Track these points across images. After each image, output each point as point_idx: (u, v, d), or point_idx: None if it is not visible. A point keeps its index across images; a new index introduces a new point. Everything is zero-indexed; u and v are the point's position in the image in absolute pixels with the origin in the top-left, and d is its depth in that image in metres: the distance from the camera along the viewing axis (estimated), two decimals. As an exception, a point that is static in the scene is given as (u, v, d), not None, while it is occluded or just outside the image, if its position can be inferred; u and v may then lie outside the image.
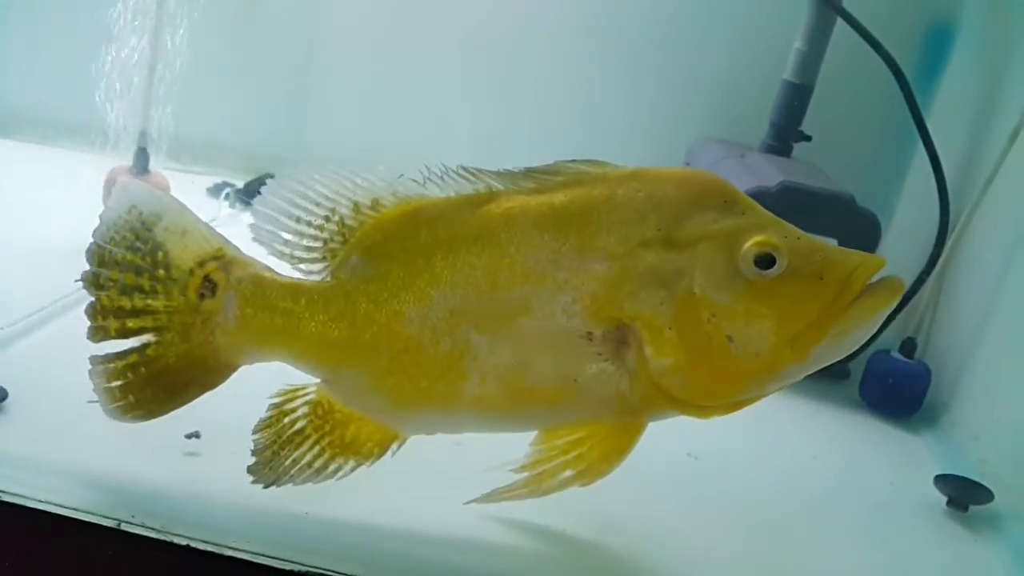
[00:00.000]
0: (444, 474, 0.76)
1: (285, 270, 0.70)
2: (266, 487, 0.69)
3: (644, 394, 0.63)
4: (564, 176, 0.65)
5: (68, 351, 0.85)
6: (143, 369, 0.69)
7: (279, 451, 0.69)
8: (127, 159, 1.08)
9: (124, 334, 0.69)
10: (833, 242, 1.08)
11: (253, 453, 0.69)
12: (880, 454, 1.01)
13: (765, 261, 0.61)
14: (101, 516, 0.67)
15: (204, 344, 0.69)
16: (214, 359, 0.69)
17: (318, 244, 0.68)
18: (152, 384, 0.69)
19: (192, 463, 0.74)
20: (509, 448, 0.66)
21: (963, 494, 0.89)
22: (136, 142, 1.07)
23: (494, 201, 0.65)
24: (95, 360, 0.69)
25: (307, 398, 0.69)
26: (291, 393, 0.70)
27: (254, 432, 0.69)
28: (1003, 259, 1.03)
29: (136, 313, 0.68)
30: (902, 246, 1.27)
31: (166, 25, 1.06)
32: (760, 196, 1.07)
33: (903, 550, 0.84)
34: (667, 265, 0.62)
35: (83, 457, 0.73)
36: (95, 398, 0.69)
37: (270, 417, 0.69)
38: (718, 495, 0.86)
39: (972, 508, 0.89)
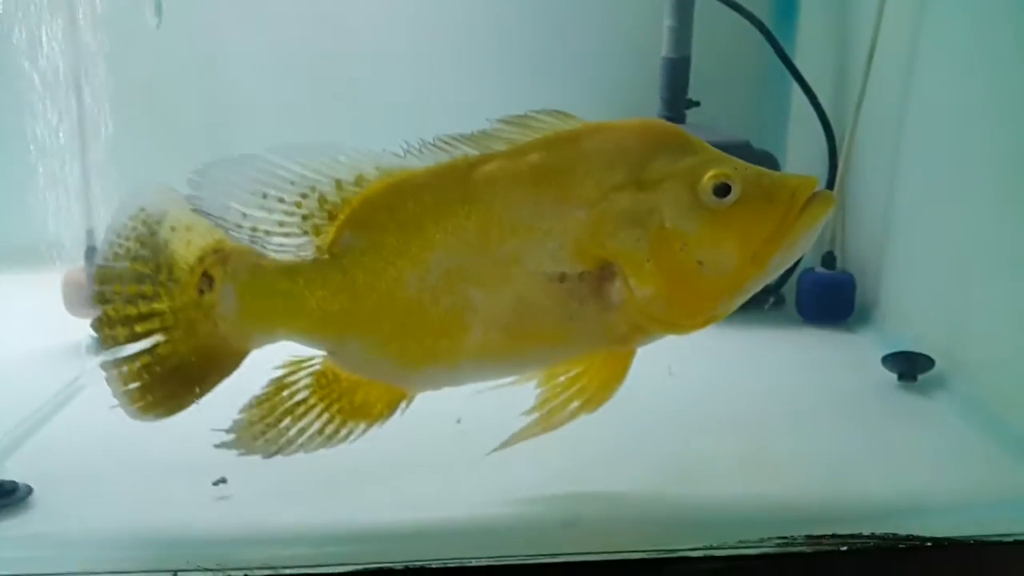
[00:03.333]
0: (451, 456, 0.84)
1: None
2: (267, 457, 0.73)
3: (631, 322, 0.71)
4: (534, 132, 0.71)
5: (74, 435, 0.90)
6: (157, 368, 0.72)
7: (276, 423, 0.72)
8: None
9: (133, 338, 0.72)
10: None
11: (232, 428, 0.72)
12: (830, 356, 1.13)
13: (722, 190, 0.68)
14: (158, 571, 0.70)
15: (211, 335, 0.73)
16: (223, 348, 0.73)
17: (294, 220, 0.71)
18: (168, 381, 0.73)
19: (227, 505, 0.78)
20: (506, 423, 0.73)
21: (909, 366, 1.01)
22: (85, 241, 1.10)
23: (473, 166, 0.71)
24: (108, 366, 0.72)
25: (311, 370, 0.73)
26: (295, 365, 0.73)
27: (243, 409, 0.72)
28: (889, 164, 1.16)
29: (143, 318, 0.72)
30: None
31: (86, 122, 1.08)
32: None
33: (871, 425, 0.94)
34: (639, 205, 0.69)
35: (126, 524, 0.76)
36: (115, 403, 0.72)
37: (267, 392, 0.73)
38: (699, 414, 0.96)
39: (920, 377, 1.00)
